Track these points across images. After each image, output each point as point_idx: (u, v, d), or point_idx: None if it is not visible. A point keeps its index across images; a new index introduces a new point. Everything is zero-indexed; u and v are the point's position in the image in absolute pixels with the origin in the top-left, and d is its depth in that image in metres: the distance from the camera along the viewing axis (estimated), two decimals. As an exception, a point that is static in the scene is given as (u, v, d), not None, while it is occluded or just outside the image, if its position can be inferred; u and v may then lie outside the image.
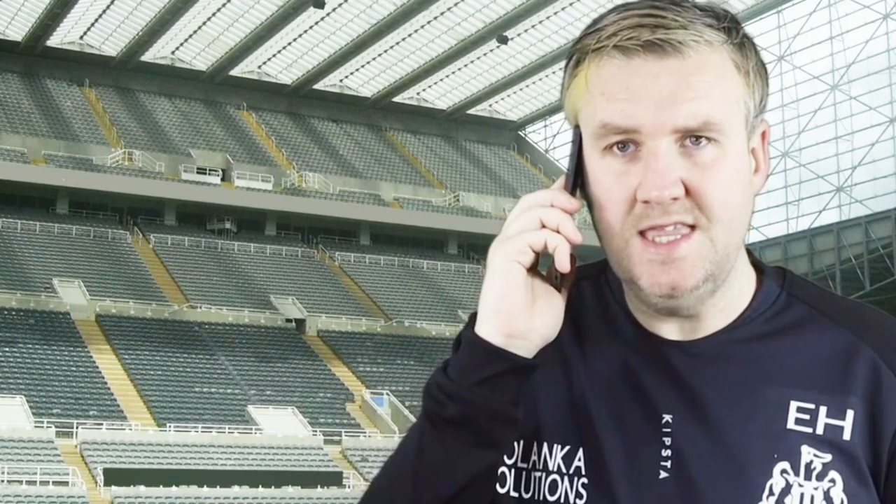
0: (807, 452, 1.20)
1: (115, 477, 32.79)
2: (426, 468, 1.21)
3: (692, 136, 1.17)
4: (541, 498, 1.28)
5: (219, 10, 53.20)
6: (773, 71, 50.91)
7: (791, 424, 1.21)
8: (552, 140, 66.79)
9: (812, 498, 1.19)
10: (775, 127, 50.53)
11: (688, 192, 1.17)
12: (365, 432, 39.47)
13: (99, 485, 32.51)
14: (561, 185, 1.23)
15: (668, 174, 1.16)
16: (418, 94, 63.49)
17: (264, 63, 59.47)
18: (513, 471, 1.30)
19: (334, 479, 35.87)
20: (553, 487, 1.27)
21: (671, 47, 1.16)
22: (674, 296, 1.19)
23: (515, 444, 1.29)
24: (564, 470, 1.27)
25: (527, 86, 61.94)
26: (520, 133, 67.79)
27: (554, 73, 57.77)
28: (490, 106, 65.36)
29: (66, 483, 31.99)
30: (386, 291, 51.69)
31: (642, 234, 1.18)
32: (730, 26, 1.19)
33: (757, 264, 1.30)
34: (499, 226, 1.22)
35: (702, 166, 1.17)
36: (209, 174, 53.32)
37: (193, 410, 38.16)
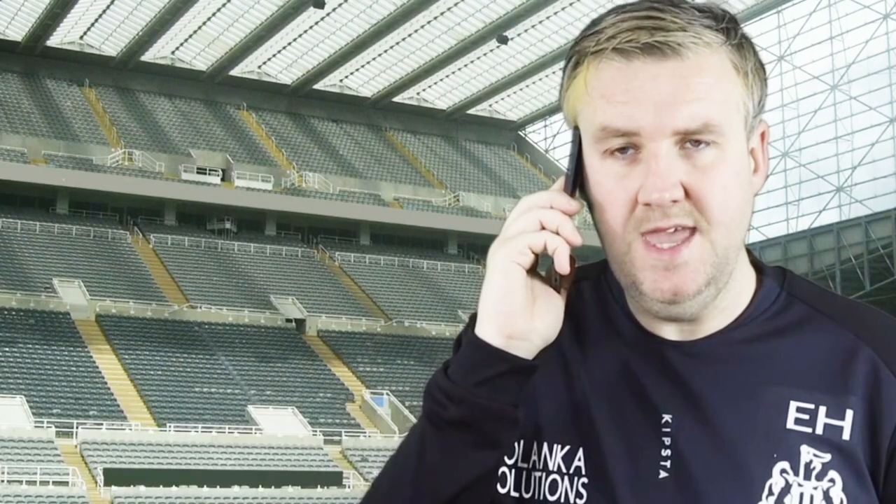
0: (806, 452, 1.21)
1: (115, 477, 32.80)
2: (427, 469, 1.21)
3: (692, 139, 1.17)
4: (541, 498, 1.28)
5: (219, 10, 53.22)
6: (773, 71, 50.98)
7: (791, 424, 1.22)
8: (552, 140, 66.83)
9: (812, 497, 1.20)
10: (775, 127, 50.54)
11: (687, 194, 1.17)
12: (365, 432, 39.48)
13: (99, 485, 32.52)
14: (560, 187, 1.23)
15: (668, 177, 1.16)
16: (418, 94, 63.51)
17: (264, 63, 59.48)
18: (513, 471, 1.30)
19: (334, 479, 35.88)
20: (553, 487, 1.27)
21: (670, 49, 1.16)
22: (676, 301, 1.19)
23: (516, 444, 1.30)
24: (564, 470, 1.27)
25: (527, 86, 61.96)
26: (520, 133, 67.80)
27: (554, 73, 57.75)
28: (490, 106, 65.38)
29: (66, 483, 32.00)
30: (386, 291, 51.70)
31: (644, 237, 1.19)
32: (728, 27, 1.19)
33: (757, 264, 1.30)
34: (499, 226, 1.23)
35: (701, 168, 1.17)
36: (209, 174, 53.33)
37: (193, 410, 38.17)
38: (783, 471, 1.21)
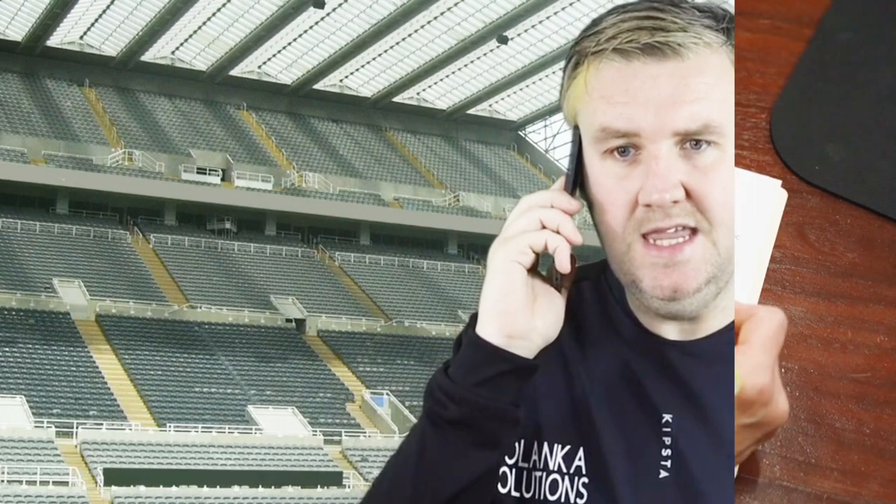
0: (806, 452, 1.21)
1: (115, 477, 32.76)
2: (427, 468, 1.21)
3: (692, 139, 1.17)
4: (541, 497, 1.28)
5: (219, 10, 53.19)
6: (772, 71, 50.95)
7: (790, 424, 1.22)
8: (552, 140, 66.77)
9: (811, 497, 1.20)
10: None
11: (688, 195, 1.17)
12: (365, 432, 39.43)
13: (99, 485, 32.48)
14: (561, 186, 1.23)
15: (668, 177, 1.16)
16: (418, 94, 63.46)
17: (264, 63, 59.44)
18: (514, 470, 1.30)
19: (334, 479, 35.84)
20: (554, 487, 1.27)
21: (670, 50, 1.16)
22: (675, 298, 1.19)
23: (516, 444, 1.29)
24: (565, 469, 1.27)
25: (527, 86, 61.90)
26: (520, 133, 67.75)
27: (554, 73, 57.71)
28: (490, 106, 65.32)
29: (66, 483, 31.96)
30: (386, 291, 51.65)
31: (644, 237, 1.18)
32: (729, 27, 1.19)
33: (756, 264, 1.30)
34: (499, 226, 1.22)
35: (702, 169, 1.17)
36: (209, 174, 53.30)
37: (193, 410, 38.13)
38: (783, 470, 1.20)
